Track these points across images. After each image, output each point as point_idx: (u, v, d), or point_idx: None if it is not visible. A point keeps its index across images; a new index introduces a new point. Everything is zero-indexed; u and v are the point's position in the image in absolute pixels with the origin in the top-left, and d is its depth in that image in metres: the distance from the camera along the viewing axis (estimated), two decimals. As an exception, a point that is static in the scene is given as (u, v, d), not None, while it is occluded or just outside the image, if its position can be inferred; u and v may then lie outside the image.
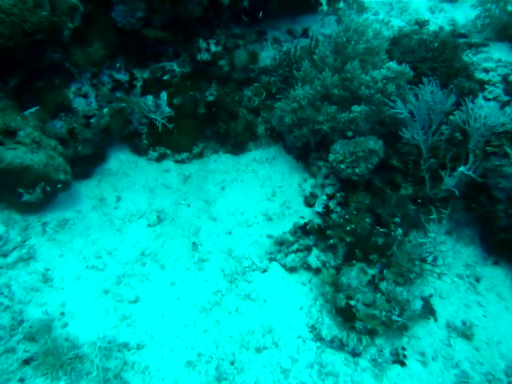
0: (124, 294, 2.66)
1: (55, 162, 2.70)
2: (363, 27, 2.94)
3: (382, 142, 2.95)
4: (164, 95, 3.58)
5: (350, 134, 3.00)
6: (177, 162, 3.74)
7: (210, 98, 3.65)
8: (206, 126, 3.81)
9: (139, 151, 3.67)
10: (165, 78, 3.61)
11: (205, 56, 3.46)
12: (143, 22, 3.13)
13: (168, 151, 3.69)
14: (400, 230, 2.68)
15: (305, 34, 4.42)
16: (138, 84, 3.55)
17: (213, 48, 3.44)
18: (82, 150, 3.01)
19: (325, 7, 4.59)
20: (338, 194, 3.05)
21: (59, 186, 2.74)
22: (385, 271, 2.66)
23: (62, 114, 2.99)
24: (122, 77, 3.24)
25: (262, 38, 4.26)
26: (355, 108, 2.87)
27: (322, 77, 2.95)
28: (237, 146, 3.84)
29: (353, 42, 2.95)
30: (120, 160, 3.55)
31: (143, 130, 3.58)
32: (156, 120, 3.36)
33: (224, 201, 3.41)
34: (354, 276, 2.74)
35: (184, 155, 3.70)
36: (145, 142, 3.61)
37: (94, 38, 3.02)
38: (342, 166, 2.90)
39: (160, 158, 3.72)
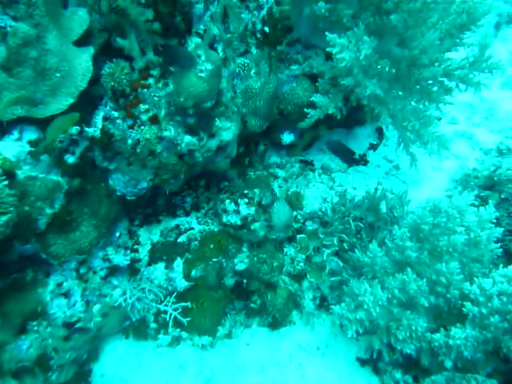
0: None
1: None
2: (459, 210, 1.94)
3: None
4: (179, 264, 2.66)
5: (449, 364, 1.93)
6: (196, 346, 2.76)
7: (241, 267, 2.70)
8: (235, 298, 2.83)
9: (145, 336, 2.71)
10: (180, 240, 2.71)
11: (233, 219, 2.54)
12: (151, 189, 2.25)
13: (184, 333, 2.72)
14: None
15: (362, 159, 3.46)
16: (145, 249, 2.65)
17: (244, 210, 2.52)
18: (57, 378, 2.08)
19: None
20: None
21: None
22: None
23: (34, 322, 2.09)
24: (121, 260, 2.33)
25: (307, 168, 3.33)
26: (457, 333, 1.82)
27: (401, 278, 1.93)
28: (275, 322, 2.83)
29: (446, 231, 1.94)
30: (118, 356, 2.62)
31: (151, 310, 2.63)
32: (166, 313, 2.41)
33: (259, 428, 2.36)
34: None
35: (206, 340, 2.73)
36: (153, 325, 2.66)
37: (83, 217, 2.15)
38: (445, 431, 1.81)
39: (173, 342, 2.75)
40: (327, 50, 2.13)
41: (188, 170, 2.22)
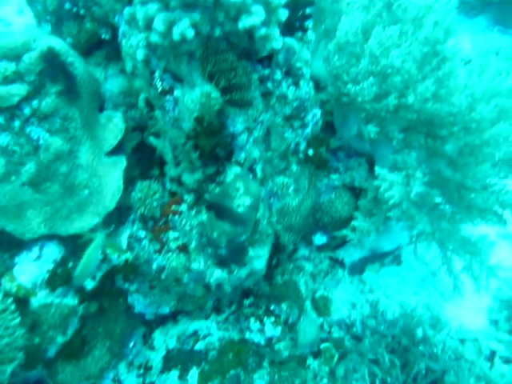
0: None
1: None
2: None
3: None
4: (194, 375, 2.47)
5: None
6: None
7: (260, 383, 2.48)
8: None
9: None
10: (197, 348, 2.51)
11: (257, 338, 2.37)
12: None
13: None
14: None
15: (396, 259, 3.27)
16: (159, 356, 2.47)
17: (269, 331, 2.33)
18: None
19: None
20: None
21: None
22: None
23: None
24: (133, 382, 2.15)
25: (336, 265, 3.14)
26: None
27: None
28: None
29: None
30: None
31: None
32: None
33: None
34: None
35: None
36: None
37: (97, 338, 1.99)
38: None
39: None
40: (375, 184, 1.95)
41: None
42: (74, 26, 2.24)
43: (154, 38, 1.56)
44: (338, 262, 3.14)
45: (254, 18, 1.57)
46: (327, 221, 2.45)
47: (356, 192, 2.53)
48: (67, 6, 2.15)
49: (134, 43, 1.78)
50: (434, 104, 1.99)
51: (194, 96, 1.74)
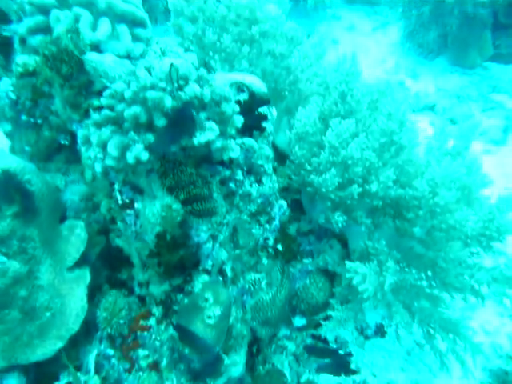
0: None
1: None
2: None
3: None
4: None
5: None
6: None
7: None
8: None
9: None
10: None
11: None
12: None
13: None
14: None
15: (380, 331, 3.19)
16: None
17: None
18: None
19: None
20: None
21: None
22: None
23: None
24: None
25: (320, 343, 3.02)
26: None
27: None
28: None
29: None
30: None
31: None
32: None
33: None
34: None
35: None
36: None
37: None
38: None
39: None
40: (347, 276, 1.91)
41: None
42: (32, 135, 2.21)
43: (109, 161, 1.54)
44: (320, 340, 3.03)
45: (208, 133, 1.56)
46: (304, 307, 2.39)
47: (330, 273, 2.48)
48: (24, 117, 2.12)
49: (92, 155, 1.75)
50: (397, 190, 2.01)
51: (155, 209, 1.70)
